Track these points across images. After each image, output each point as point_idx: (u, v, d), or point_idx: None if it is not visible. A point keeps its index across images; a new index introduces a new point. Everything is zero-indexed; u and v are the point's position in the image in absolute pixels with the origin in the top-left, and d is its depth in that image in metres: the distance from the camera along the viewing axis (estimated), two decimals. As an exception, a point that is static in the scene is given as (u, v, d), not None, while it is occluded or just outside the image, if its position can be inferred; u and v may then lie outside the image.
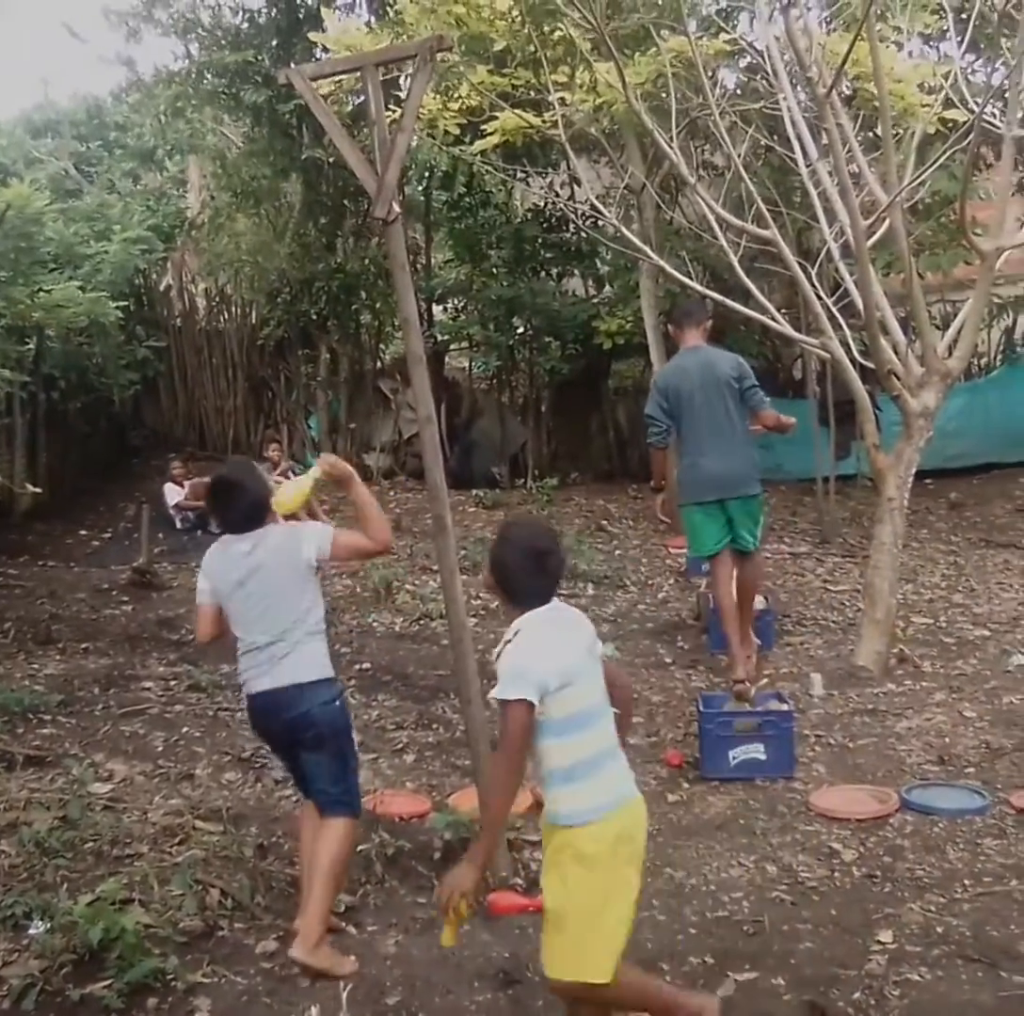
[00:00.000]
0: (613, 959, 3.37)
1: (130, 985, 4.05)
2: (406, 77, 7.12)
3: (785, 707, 6.46)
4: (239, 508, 4.41)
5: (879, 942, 4.42)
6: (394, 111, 7.30)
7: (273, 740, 4.61)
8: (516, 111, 9.75)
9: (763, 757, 6.19)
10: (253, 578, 4.34)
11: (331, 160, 12.97)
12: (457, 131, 10.56)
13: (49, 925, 4.30)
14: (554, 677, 3.30)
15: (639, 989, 3.59)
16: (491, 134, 10.09)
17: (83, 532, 12.36)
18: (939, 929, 4.50)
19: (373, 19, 13.15)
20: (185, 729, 6.95)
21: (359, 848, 5.11)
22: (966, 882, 4.91)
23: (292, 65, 12.33)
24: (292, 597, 4.36)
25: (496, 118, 9.91)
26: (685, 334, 7.40)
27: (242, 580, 4.34)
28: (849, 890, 4.92)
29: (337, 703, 4.42)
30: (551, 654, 3.35)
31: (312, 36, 10.32)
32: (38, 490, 9.61)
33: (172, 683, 7.83)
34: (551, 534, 3.64)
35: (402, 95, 6.27)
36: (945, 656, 8.28)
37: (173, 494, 12.55)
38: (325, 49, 11.47)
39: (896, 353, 7.96)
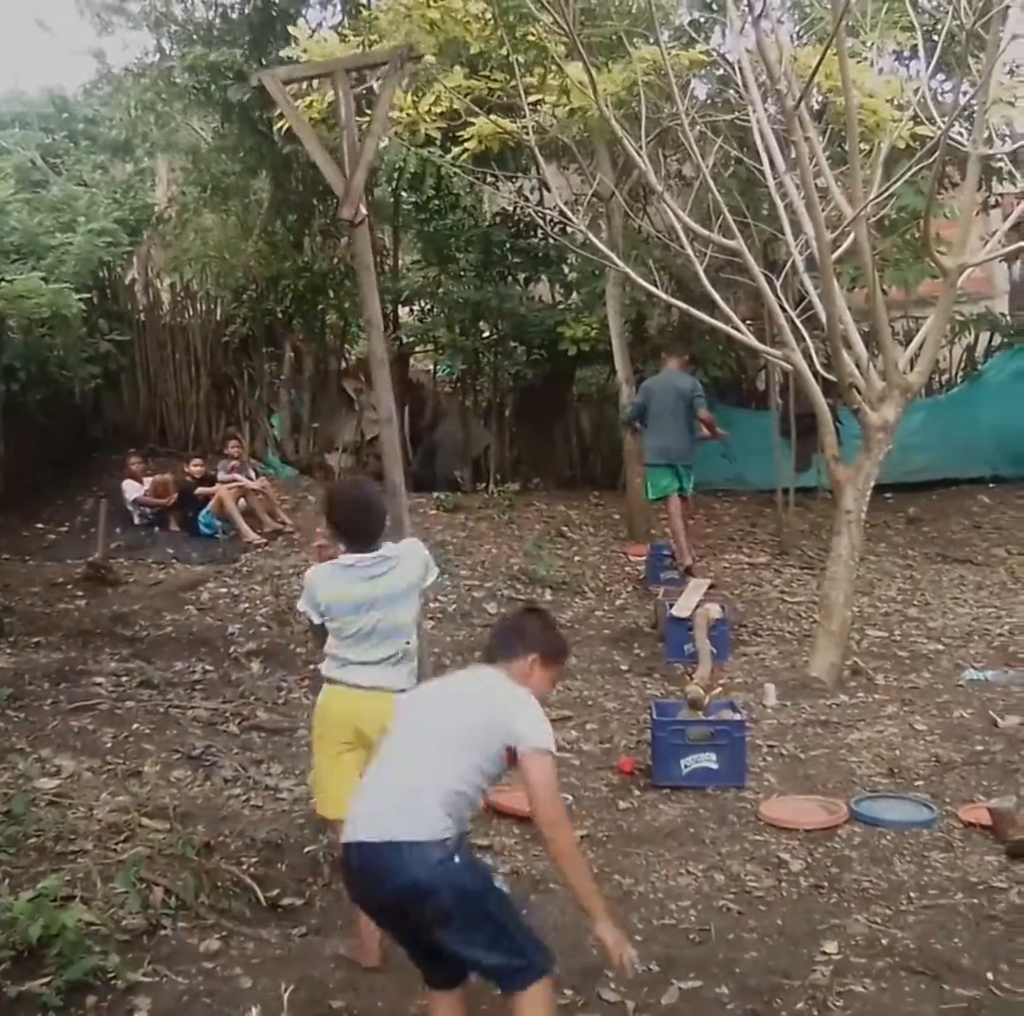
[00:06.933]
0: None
1: (69, 983, 4.00)
2: (377, 81, 7.12)
3: (738, 717, 6.49)
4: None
5: (824, 953, 4.43)
6: (365, 117, 7.29)
7: None
8: (492, 117, 9.74)
9: (715, 766, 6.21)
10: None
11: (301, 158, 12.89)
12: (437, 135, 10.54)
13: (-12, 921, 4.24)
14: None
15: None
16: (468, 139, 10.06)
17: (39, 525, 12.23)
18: (884, 941, 4.52)
19: (346, 20, 13.09)
20: (135, 726, 6.88)
21: (305, 849, 5.09)
22: (912, 894, 4.94)
23: (265, 63, 12.30)
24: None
25: (472, 124, 9.88)
26: (668, 362, 10.88)
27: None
28: (796, 900, 4.94)
29: None
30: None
31: (284, 52, 10.27)
32: (-5, 482, 9.50)
33: (123, 679, 7.74)
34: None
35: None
36: (898, 669, 8.34)
37: (132, 490, 12.45)
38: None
39: (858, 367, 8.02)
